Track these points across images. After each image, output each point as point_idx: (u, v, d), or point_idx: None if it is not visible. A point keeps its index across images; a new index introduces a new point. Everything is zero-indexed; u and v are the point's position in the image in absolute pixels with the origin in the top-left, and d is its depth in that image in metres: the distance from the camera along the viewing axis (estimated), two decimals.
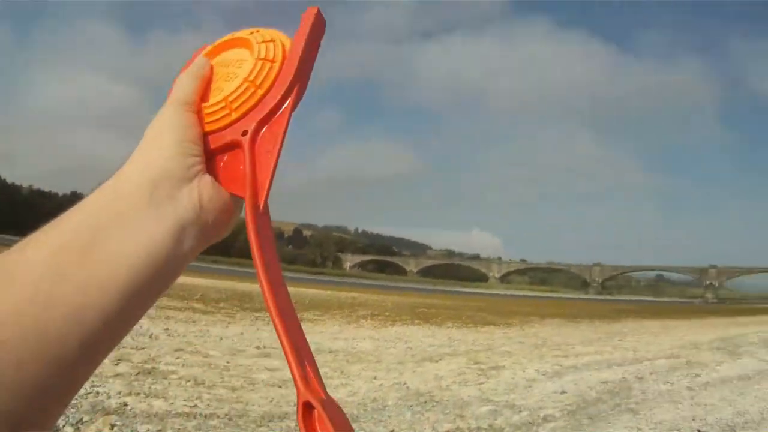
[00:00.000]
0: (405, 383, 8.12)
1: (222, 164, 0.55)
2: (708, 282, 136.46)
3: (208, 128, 0.55)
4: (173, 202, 0.51)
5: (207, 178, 0.54)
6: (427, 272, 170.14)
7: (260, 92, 0.54)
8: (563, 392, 8.18)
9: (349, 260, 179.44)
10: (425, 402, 7.10)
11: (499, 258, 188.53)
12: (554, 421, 6.52)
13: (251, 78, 0.54)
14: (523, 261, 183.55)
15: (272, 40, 0.57)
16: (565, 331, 19.55)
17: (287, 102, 0.53)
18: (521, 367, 10.22)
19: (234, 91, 0.54)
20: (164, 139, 0.54)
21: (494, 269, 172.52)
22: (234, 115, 0.54)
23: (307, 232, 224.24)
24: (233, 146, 0.54)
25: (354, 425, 0.42)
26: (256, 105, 0.54)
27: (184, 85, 0.58)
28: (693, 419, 6.79)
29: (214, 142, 0.55)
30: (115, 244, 0.46)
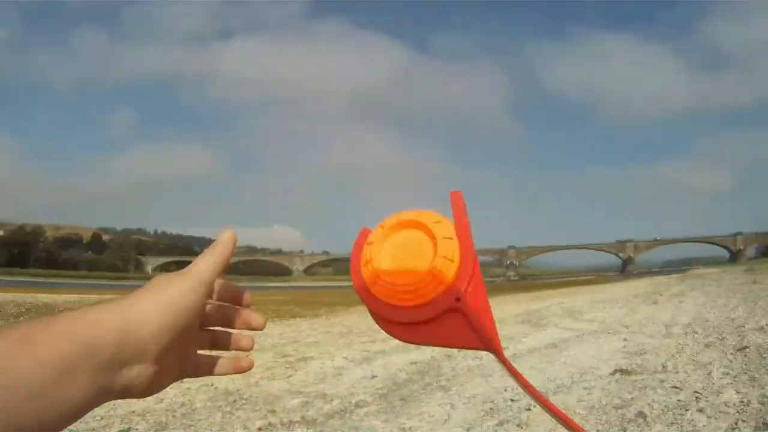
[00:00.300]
0: (212, 384, 7.95)
1: (429, 328, 0.64)
2: (508, 261, 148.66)
3: (407, 301, 0.63)
4: (115, 378, 0.50)
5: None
6: (231, 270, 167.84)
7: (455, 265, 0.63)
8: (373, 377, 8.38)
9: (151, 263, 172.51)
10: (234, 401, 6.99)
11: (302, 251, 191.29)
12: (366, 406, 6.66)
13: (447, 255, 0.63)
14: (325, 253, 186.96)
15: (439, 221, 0.67)
16: (371, 318, 20.11)
17: (474, 269, 0.64)
18: (329, 356, 10.37)
19: (435, 266, 0.63)
20: (162, 313, 0.54)
21: (297, 262, 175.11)
22: (440, 288, 0.62)
23: (106, 237, 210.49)
24: (447, 311, 0.63)
25: None
26: (456, 276, 0.62)
27: (211, 264, 0.61)
28: (505, 390, 7.07)
29: (421, 314, 0.63)
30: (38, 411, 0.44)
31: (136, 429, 6.05)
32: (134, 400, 0.57)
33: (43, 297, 29.48)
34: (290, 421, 6.11)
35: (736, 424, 5.15)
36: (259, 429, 5.81)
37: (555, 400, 6.27)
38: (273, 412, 6.51)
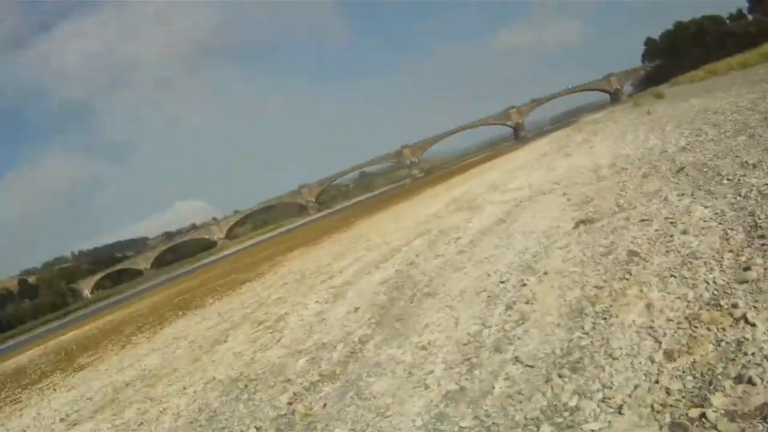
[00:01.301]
0: (214, 378, 7.78)
1: None
2: (408, 161, 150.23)
3: None
4: None
5: None
6: (160, 263, 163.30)
7: None
8: (356, 309, 8.40)
9: (85, 286, 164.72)
10: (245, 386, 6.84)
11: (214, 218, 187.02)
12: (371, 339, 6.65)
13: None
14: (237, 212, 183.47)
15: None
16: (313, 256, 19.92)
17: None
18: (302, 306, 10.35)
19: None
20: None
21: (215, 231, 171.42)
22: None
23: (31, 279, 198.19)
24: None
25: None
26: None
27: None
28: (488, 276, 7.17)
29: None
30: None
31: None
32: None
33: (10, 363, 28.12)
34: (311, 383, 6.01)
35: (726, 234, 5.42)
36: (290, 403, 5.69)
37: (540, 269, 6.46)
38: (288, 381, 6.40)
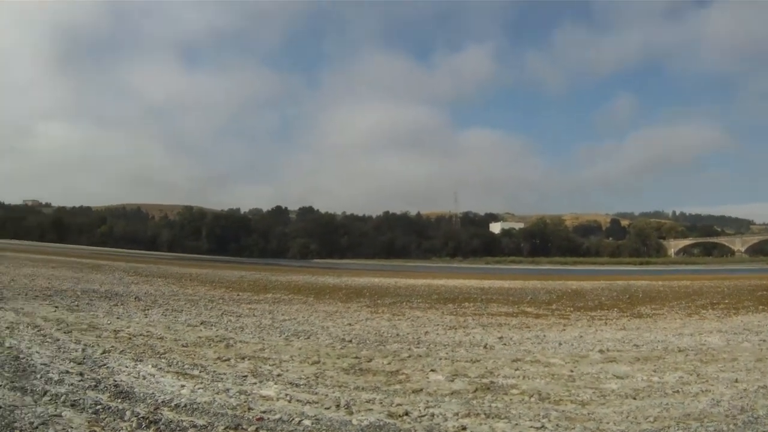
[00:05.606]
0: None
1: None
2: None
3: None
4: None
5: None
6: (757, 250, 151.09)
7: None
8: None
9: (672, 246, 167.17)
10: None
11: None
12: None
13: None
14: None
15: None
16: None
17: None
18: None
19: None
20: None
21: (736, 243, 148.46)
22: None
23: (624, 222, 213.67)
24: None
25: None
26: None
27: None
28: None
29: None
30: None
31: None
32: None
33: (572, 284, 31.53)
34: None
35: None
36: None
37: None
38: None
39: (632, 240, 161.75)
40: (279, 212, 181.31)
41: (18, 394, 5.91)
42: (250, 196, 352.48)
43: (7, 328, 9.88)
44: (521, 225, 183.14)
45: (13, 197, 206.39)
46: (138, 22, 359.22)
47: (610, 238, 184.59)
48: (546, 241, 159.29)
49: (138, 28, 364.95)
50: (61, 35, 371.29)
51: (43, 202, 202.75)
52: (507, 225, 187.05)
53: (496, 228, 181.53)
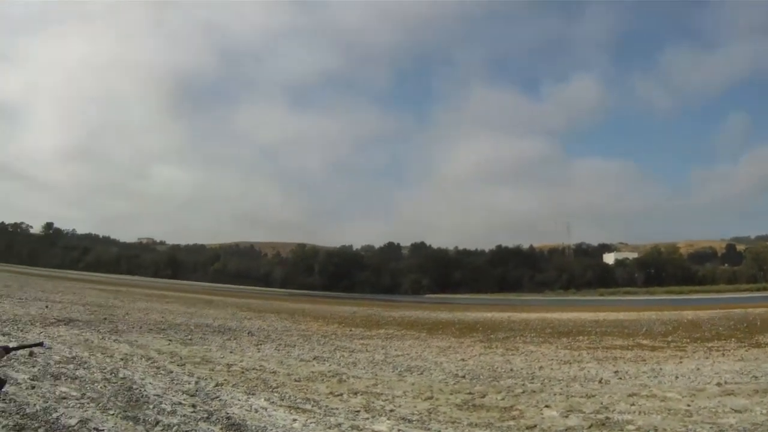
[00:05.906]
0: None
1: None
2: None
3: None
4: None
5: None
6: None
7: None
8: None
9: None
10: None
11: None
12: None
13: None
14: None
15: None
16: None
17: None
18: None
19: None
20: None
21: None
22: None
23: (740, 246, 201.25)
24: None
25: None
26: None
27: None
28: None
29: None
30: None
31: None
32: None
33: (688, 314, 30.14)
34: None
35: None
36: None
37: None
38: None
39: (749, 265, 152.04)
40: (391, 248, 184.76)
41: (130, 423, 6.30)
42: (361, 233, 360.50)
43: (122, 359, 10.54)
44: (635, 254, 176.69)
45: (129, 236, 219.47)
46: (249, 66, 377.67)
47: (726, 265, 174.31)
48: (660, 271, 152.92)
49: (248, 72, 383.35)
50: (174, 81, 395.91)
51: (158, 240, 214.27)
52: (621, 255, 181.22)
53: (609, 258, 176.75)
